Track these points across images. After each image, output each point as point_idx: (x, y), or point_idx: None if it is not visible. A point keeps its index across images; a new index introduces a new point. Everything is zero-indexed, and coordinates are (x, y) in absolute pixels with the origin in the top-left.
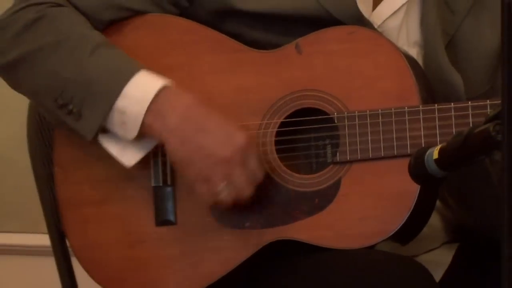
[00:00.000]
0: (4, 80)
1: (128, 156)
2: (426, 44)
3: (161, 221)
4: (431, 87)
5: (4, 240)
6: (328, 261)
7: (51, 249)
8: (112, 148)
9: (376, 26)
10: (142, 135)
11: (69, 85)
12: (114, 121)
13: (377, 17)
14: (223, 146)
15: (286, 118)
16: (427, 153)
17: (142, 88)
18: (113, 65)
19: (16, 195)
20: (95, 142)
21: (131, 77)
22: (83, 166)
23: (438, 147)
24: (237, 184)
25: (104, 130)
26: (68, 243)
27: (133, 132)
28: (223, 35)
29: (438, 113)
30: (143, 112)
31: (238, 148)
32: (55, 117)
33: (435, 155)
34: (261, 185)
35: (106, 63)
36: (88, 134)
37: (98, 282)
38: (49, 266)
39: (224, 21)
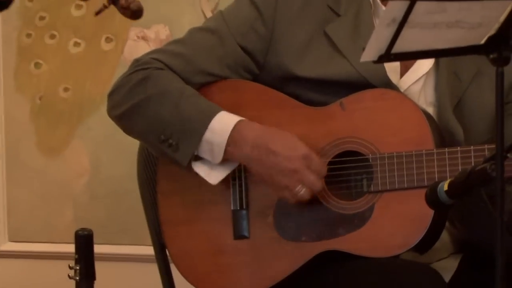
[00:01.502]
0: (120, 127)
1: (214, 177)
2: (439, 105)
3: (238, 236)
4: (442, 136)
5: (120, 251)
6: (364, 266)
7: (154, 257)
8: (202, 171)
9: (402, 90)
10: (226, 159)
11: (169, 125)
12: (204, 150)
13: (403, 83)
14: (290, 160)
15: (333, 158)
16: (439, 185)
17: (223, 124)
18: (201, 107)
19: (128, 216)
20: (189, 170)
21: (215, 115)
22: (178, 193)
23: (448, 181)
24: (309, 183)
25: (195, 158)
26: (167, 253)
27: (219, 158)
28: (285, 95)
29: (448, 155)
30: (225, 142)
31: (301, 157)
32: (159, 150)
33: (445, 187)
34: (314, 208)
35: (196, 106)
36: (184, 161)
37: (191, 283)
38: (153, 271)
39: (286, 85)
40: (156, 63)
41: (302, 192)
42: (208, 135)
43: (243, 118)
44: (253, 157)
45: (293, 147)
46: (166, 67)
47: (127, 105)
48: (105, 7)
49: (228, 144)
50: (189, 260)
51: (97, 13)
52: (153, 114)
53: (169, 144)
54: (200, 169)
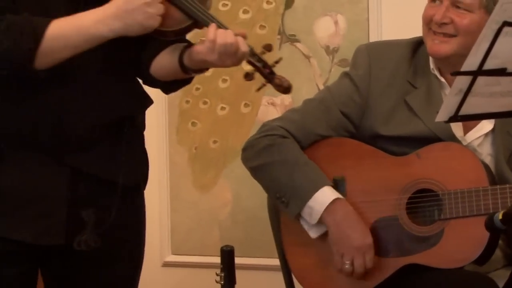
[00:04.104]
0: (252, 175)
1: (312, 232)
2: (495, 157)
3: None
4: (494, 177)
5: (254, 262)
6: (437, 275)
7: (280, 267)
8: (305, 225)
9: (464, 143)
10: (320, 222)
11: (283, 188)
12: (305, 212)
13: (467, 139)
14: (357, 241)
15: (412, 194)
16: (495, 215)
17: (324, 197)
18: (310, 178)
19: (261, 236)
20: (297, 220)
21: (320, 188)
22: (296, 222)
23: (502, 212)
24: (356, 265)
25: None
26: (290, 266)
27: (314, 221)
28: (375, 148)
29: (499, 191)
30: (322, 211)
31: (364, 245)
32: (274, 202)
33: (500, 216)
34: (399, 232)
35: (306, 176)
36: (292, 216)
37: None
38: (280, 278)
39: (376, 140)
40: (279, 130)
41: (347, 267)
42: (311, 203)
43: (340, 197)
44: (334, 231)
45: (363, 236)
46: (287, 133)
47: (256, 162)
48: (263, 85)
49: (323, 214)
50: (304, 272)
51: (258, 89)
52: (273, 177)
53: (282, 201)
54: (304, 223)
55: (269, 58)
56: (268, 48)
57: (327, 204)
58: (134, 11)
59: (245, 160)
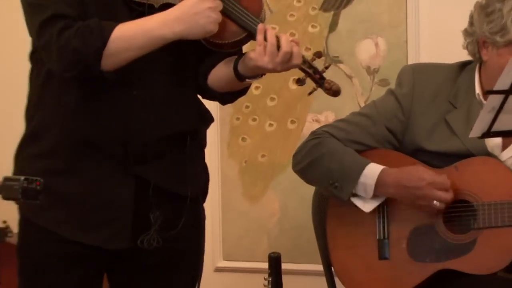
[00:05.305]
0: (301, 177)
1: (367, 207)
2: None
3: (382, 257)
4: None
5: (299, 267)
6: (471, 281)
7: (323, 272)
8: (359, 203)
9: (501, 159)
10: (376, 195)
11: (335, 173)
12: (359, 189)
13: (503, 155)
14: (420, 189)
15: (450, 204)
16: None
17: (372, 171)
18: (357, 159)
19: (306, 243)
20: (349, 203)
21: (366, 165)
22: (340, 228)
23: None
24: (439, 198)
25: (353, 195)
26: (332, 269)
27: (370, 194)
28: (416, 160)
29: None
30: (374, 184)
31: (427, 184)
32: (328, 190)
33: None
34: (436, 239)
35: (353, 158)
36: (345, 197)
37: None
38: (324, 283)
39: (417, 154)
40: (326, 134)
41: (438, 205)
42: (362, 179)
43: (386, 167)
44: (396, 193)
45: (420, 179)
46: (332, 137)
47: (306, 161)
48: (314, 89)
49: (376, 185)
50: (348, 274)
51: (310, 93)
52: (324, 167)
53: (335, 186)
54: (357, 202)
55: (318, 64)
56: (318, 55)
57: (377, 175)
58: (197, 14)
59: (295, 164)
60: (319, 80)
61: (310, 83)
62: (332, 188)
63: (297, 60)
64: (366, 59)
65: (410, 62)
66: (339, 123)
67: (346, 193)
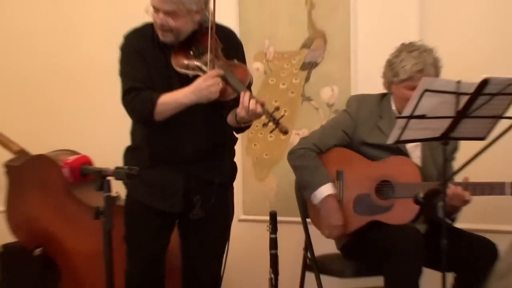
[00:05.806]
0: (292, 170)
1: (315, 203)
2: (423, 159)
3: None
4: (425, 176)
5: (288, 219)
6: (389, 227)
7: (301, 222)
8: (314, 200)
9: (407, 148)
10: (319, 206)
11: (305, 181)
12: (312, 198)
13: (407, 147)
14: (333, 221)
15: (378, 182)
16: (419, 195)
17: (323, 191)
18: (319, 177)
19: (295, 208)
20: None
21: (322, 184)
22: (310, 206)
23: (422, 193)
24: (330, 234)
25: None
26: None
27: (316, 202)
28: (358, 154)
29: (426, 184)
30: (320, 199)
31: (336, 225)
32: (301, 189)
33: (421, 195)
34: (371, 202)
35: (320, 176)
36: (306, 197)
37: None
38: (301, 228)
39: (361, 146)
40: (309, 145)
41: (327, 234)
42: (317, 192)
43: (332, 193)
44: (323, 212)
45: (336, 219)
46: (314, 146)
47: (294, 164)
48: (273, 129)
49: (321, 200)
50: (318, 222)
51: (271, 131)
52: (301, 174)
53: (303, 187)
54: (313, 199)
55: (277, 114)
56: (277, 108)
57: (323, 196)
58: (202, 89)
59: (289, 160)
60: (277, 124)
61: (271, 126)
62: (302, 189)
63: (259, 113)
64: (326, 98)
65: (353, 93)
66: (315, 133)
67: (306, 195)
